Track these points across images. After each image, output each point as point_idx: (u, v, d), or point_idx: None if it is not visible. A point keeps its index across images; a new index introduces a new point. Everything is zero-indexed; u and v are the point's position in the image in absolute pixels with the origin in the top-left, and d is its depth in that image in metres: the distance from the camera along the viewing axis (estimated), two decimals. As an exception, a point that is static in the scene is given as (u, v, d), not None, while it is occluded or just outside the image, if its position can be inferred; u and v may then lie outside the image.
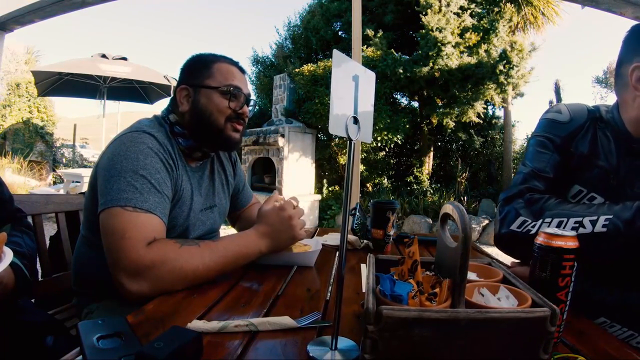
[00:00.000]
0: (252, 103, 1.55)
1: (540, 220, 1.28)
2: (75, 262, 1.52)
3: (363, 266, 1.49)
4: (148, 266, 1.11)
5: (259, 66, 13.34)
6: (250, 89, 1.57)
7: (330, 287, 1.26)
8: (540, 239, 0.97)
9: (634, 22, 3.42)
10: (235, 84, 1.47)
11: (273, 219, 1.40)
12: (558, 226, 1.24)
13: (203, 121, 1.45)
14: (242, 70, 1.56)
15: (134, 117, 1.58)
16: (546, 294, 0.84)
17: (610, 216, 1.18)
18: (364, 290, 1.21)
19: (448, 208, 0.87)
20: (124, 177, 1.22)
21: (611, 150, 1.33)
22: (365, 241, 1.83)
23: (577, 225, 1.22)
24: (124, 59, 8.73)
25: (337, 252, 1.71)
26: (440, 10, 8.75)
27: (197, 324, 0.88)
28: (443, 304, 0.75)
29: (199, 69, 1.48)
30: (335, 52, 0.79)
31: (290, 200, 1.47)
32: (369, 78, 0.91)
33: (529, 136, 12.45)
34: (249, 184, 9.88)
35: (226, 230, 6.25)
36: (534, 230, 1.27)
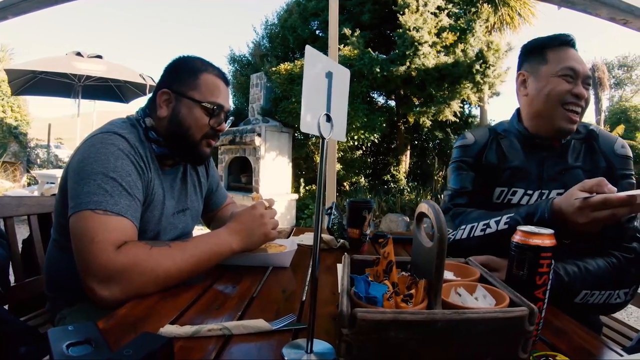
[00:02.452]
0: (230, 118, 1.54)
1: (457, 230, 1.55)
2: (47, 266, 1.48)
3: (339, 266, 1.48)
4: (119, 270, 1.08)
5: (236, 65, 13.25)
6: (230, 101, 1.55)
7: (306, 288, 1.24)
8: (517, 238, 0.97)
9: (609, 23, 3.50)
10: (219, 101, 1.44)
11: (244, 217, 1.39)
12: (470, 231, 1.49)
13: (179, 132, 1.42)
14: (227, 83, 1.54)
15: (109, 117, 1.53)
16: (524, 293, 0.83)
17: (512, 214, 1.38)
18: (340, 291, 1.20)
19: (423, 207, 0.86)
20: (94, 180, 1.18)
21: (517, 151, 1.63)
22: (341, 241, 1.82)
23: (484, 227, 1.44)
24: (99, 57, 8.57)
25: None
26: (417, 10, 8.82)
27: (169, 329, 0.86)
28: (419, 305, 0.74)
29: (185, 76, 1.44)
30: (308, 49, 0.77)
31: (262, 201, 1.46)
32: (343, 75, 0.89)
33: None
34: (226, 184, 9.83)
35: (201, 231, 6.20)
36: (452, 239, 1.53)
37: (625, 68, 24.65)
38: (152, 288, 1.12)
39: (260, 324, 0.90)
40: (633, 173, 1.51)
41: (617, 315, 1.77)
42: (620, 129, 13.25)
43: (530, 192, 1.58)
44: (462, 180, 1.72)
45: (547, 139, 1.58)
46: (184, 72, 1.45)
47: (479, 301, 0.84)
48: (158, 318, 0.96)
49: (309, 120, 0.77)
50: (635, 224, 1.43)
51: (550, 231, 0.96)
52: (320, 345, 0.82)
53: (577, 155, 1.57)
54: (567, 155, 1.57)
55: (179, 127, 1.42)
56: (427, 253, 0.82)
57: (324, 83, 0.83)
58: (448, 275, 0.97)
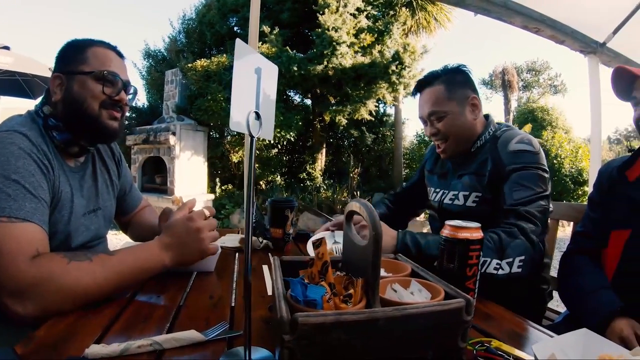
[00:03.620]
0: (132, 90, 1.43)
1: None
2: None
3: (265, 267, 1.44)
4: (31, 284, 0.98)
5: (151, 60, 12.74)
6: (128, 75, 1.44)
7: (234, 293, 1.20)
8: (446, 232, 1.01)
9: (522, 30, 3.71)
10: (111, 69, 1.34)
11: (179, 229, 1.24)
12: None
13: (76, 110, 1.31)
14: (121, 55, 1.43)
15: (15, 114, 1.40)
16: (456, 284, 0.85)
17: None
18: (269, 293, 1.17)
19: (354, 206, 0.85)
20: None
21: (445, 160, 1.90)
22: (264, 241, 1.78)
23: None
24: (6, 48, 7.92)
25: (237, 254, 1.65)
26: (337, 10, 8.96)
27: (95, 349, 0.78)
28: (358, 305, 0.74)
29: (73, 55, 1.34)
30: (238, 42, 0.73)
31: (202, 210, 1.33)
32: (271, 71, 0.86)
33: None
34: (140, 185, 9.47)
35: (117, 236, 5.86)
36: None
37: (534, 72, 26.53)
38: (69, 306, 1.01)
39: (192, 335, 0.85)
40: (530, 165, 1.55)
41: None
42: (528, 127, 14.18)
43: (438, 190, 1.90)
44: (409, 180, 2.27)
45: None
46: (72, 52, 1.35)
47: (415, 295, 0.84)
48: (81, 337, 0.87)
49: (239, 118, 0.73)
50: (529, 208, 1.47)
51: (477, 225, 1.01)
52: (258, 352, 0.79)
53: (478, 161, 1.70)
54: (471, 161, 1.74)
55: (74, 104, 1.31)
56: (361, 251, 0.81)
57: (253, 79, 0.79)
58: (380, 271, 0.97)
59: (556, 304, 3.77)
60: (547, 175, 1.57)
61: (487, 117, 1.82)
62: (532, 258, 1.40)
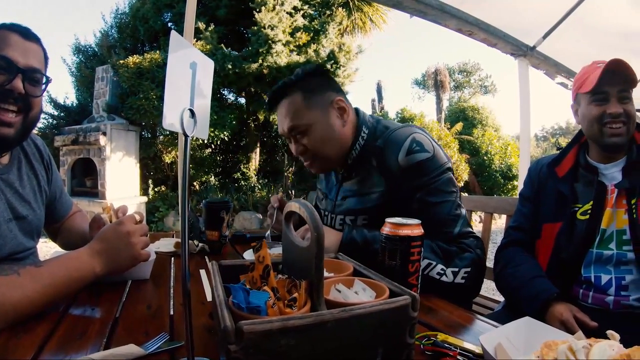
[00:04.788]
0: (43, 80, 1.27)
1: None
2: None
3: (202, 272, 1.40)
4: None
5: (81, 56, 12.15)
6: (38, 60, 1.26)
7: (172, 300, 1.14)
8: (386, 230, 1.01)
9: (456, 33, 3.81)
10: (2, 53, 1.17)
11: (109, 234, 1.16)
12: None
13: None
14: (29, 37, 1.25)
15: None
16: (399, 281, 0.85)
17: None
18: (209, 300, 1.13)
19: (294, 206, 0.82)
20: None
21: (329, 179, 1.83)
22: (200, 244, 1.73)
23: None
24: None
25: (173, 259, 1.59)
26: (274, 8, 8.97)
27: None
28: (304, 308, 0.72)
29: None
30: (174, 35, 0.69)
31: (133, 215, 1.25)
32: (206, 66, 0.81)
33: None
34: (69, 188, 9.07)
35: (47, 244, 5.55)
36: None
37: (465, 73, 27.64)
38: (0, 325, 0.91)
39: (131, 349, 0.79)
40: (434, 175, 1.43)
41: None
42: (459, 126, 14.60)
43: (327, 213, 1.76)
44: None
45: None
46: None
47: (360, 295, 0.84)
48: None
49: (172, 116, 0.68)
50: (460, 228, 1.42)
51: (417, 221, 1.01)
52: (203, 363, 0.75)
53: (361, 178, 1.59)
54: (352, 177, 1.63)
55: None
56: (303, 253, 0.79)
57: (188, 74, 0.74)
58: (322, 272, 0.95)
59: (492, 292, 3.92)
60: (451, 173, 1.48)
61: (357, 112, 1.66)
62: (477, 271, 1.40)
